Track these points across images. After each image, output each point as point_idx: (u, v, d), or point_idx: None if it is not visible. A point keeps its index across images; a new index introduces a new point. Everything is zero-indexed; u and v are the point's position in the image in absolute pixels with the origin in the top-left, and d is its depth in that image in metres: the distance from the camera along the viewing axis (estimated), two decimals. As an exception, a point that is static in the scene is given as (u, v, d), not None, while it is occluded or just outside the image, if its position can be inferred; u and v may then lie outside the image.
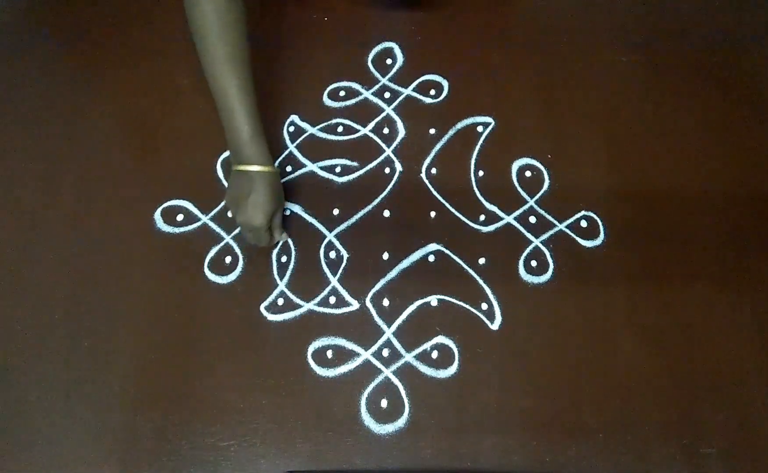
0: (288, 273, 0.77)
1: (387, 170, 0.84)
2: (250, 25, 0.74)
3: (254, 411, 0.70)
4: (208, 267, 0.78)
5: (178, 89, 0.90)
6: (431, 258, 0.78)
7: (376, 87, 0.90)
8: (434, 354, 0.73)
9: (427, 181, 0.83)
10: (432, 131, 0.87)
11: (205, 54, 0.71)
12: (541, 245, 0.79)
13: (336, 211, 0.81)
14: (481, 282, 0.77)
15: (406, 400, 0.71)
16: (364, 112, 0.88)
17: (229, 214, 0.80)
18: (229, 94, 0.70)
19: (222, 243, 0.79)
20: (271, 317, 0.75)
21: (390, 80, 0.91)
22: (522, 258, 0.78)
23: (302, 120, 0.88)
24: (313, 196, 0.82)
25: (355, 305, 0.76)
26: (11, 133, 0.87)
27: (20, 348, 0.73)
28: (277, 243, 0.79)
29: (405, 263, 0.78)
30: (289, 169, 0.84)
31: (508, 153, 0.85)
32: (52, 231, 0.80)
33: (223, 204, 0.82)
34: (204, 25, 0.70)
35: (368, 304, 0.76)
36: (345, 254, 0.79)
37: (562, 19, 0.97)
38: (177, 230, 0.80)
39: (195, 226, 0.81)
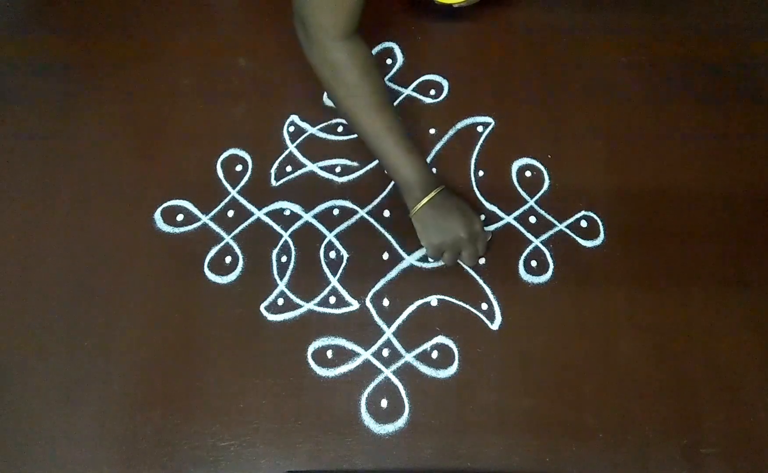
0: (288, 273, 0.77)
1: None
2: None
3: (254, 411, 0.70)
4: (208, 267, 0.78)
5: (178, 89, 0.90)
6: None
7: (376, 87, 0.90)
8: (434, 354, 0.73)
9: (427, 181, 0.83)
10: (432, 131, 0.87)
11: (355, 108, 0.71)
12: (541, 245, 0.79)
13: (336, 211, 0.81)
14: (481, 282, 0.77)
15: (406, 400, 0.71)
16: (364, 112, 0.88)
17: (440, 259, 0.75)
18: (390, 139, 0.71)
19: (222, 243, 0.79)
20: (271, 317, 0.75)
21: (390, 80, 0.91)
22: (522, 258, 0.78)
23: (302, 120, 0.88)
24: (313, 195, 0.82)
25: (355, 305, 0.76)
26: (11, 133, 0.87)
27: (20, 348, 0.73)
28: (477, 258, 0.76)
29: (405, 263, 0.78)
30: (289, 169, 0.84)
31: (508, 153, 0.85)
32: (52, 231, 0.80)
33: (224, 204, 0.81)
34: (352, 82, 0.69)
35: (368, 304, 0.76)
36: (345, 254, 0.79)
37: (562, 19, 0.97)
38: (177, 230, 0.80)
39: (195, 226, 0.81)
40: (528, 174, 0.84)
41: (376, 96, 0.71)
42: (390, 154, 0.72)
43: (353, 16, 0.68)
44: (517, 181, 0.83)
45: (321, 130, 0.87)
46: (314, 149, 0.85)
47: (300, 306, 0.75)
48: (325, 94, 0.89)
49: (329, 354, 0.73)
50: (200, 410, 0.70)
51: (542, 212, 0.81)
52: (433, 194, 0.72)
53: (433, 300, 0.76)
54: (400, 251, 0.78)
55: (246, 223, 0.81)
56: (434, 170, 0.84)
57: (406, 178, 0.73)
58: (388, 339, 0.74)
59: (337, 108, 0.74)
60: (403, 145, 0.72)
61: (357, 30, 0.70)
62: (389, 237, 0.79)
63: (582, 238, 0.79)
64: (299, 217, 0.81)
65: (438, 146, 0.86)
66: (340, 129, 0.87)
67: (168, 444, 0.68)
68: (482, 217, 0.80)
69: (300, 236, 0.80)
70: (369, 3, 0.67)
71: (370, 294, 0.76)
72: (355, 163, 0.84)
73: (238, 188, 0.83)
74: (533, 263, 0.78)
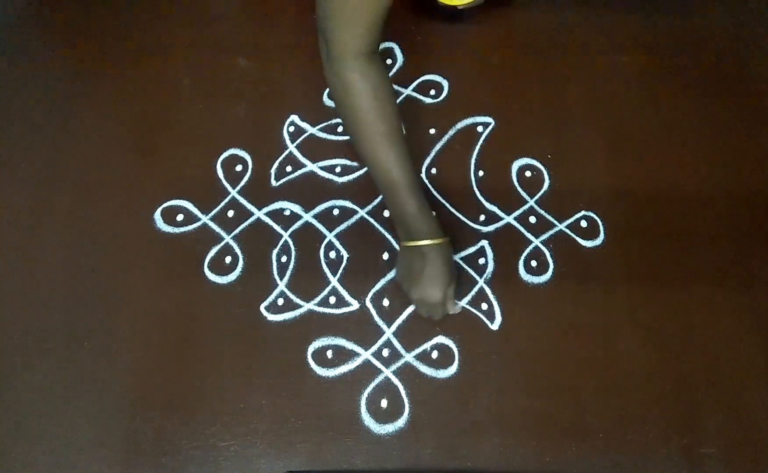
0: (288, 273, 0.77)
1: (387, 170, 0.84)
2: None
3: (254, 411, 0.70)
4: (208, 267, 0.78)
5: (178, 89, 0.90)
6: (431, 258, 0.78)
7: (376, 87, 0.90)
8: (434, 354, 0.73)
9: (427, 181, 0.83)
10: (432, 131, 0.87)
11: (362, 133, 0.67)
12: (541, 245, 0.79)
13: (336, 211, 0.81)
14: (481, 281, 0.77)
15: (406, 400, 0.71)
16: (364, 112, 0.88)
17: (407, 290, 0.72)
18: (392, 170, 0.67)
19: (222, 243, 0.79)
20: (271, 317, 0.75)
21: (390, 80, 0.91)
22: (522, 258, 0.78)
23: (302, 120, 0.88)
24: (313, 195, 0.82)
25: (355, 305, 0.76)
26: (11, 133, 0.87)
27: (20, 349, 0.73)
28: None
29: (405, 263, 0.78)
30: (289, 169, 0.84)
31: (508, 153, 0.85)
32: (52, 231, 0.80)
33: (224, 204, 0.82)
34: (361, 106, 0.66)
35: (368, 304, 0.76)
36: (345, 254, 0.79)
37: (562, 19, 0.97)
38: (177, 230, 0.80)
39: (195, 226, 0.81)
40: (528, 174, 0.84)
41: (383, 125, 0.66)
42: (391, 189, 0.68)
43: (370, 32, 0.64)
44: (517, 181, 0.83)
45: (321, 130, 0.87)
46: (314, 149, 0.85)
47: (300, 306, 0.75)
48: (325, 93, 0.89)
49: (329, 354, 0.73)
50: (200, 410, 0.70)
51: (542, 212, 0.81)
52: (416, 243, 0.68)
53: (433, 300, 0.76)
54: (400, 251, 0.79)
55: (246, 223, 0.81)
56: (434, 170, 0.84)
57: (399, 215, 0.69)
58: (388, 339, 0.74)
59: (347, 133, 0.68)
60: (407, 183, 0.67)
61: (376, 50, 0.66)
62: (389, 237, 0.79)
63: (582, 238, 0.79)
64: (299, 217, 0.81)
65: (438, 146, 0.86)
66: (340, 129, 0.87)
67: (168, 444, 0.68)
68: (482, 217, 0.80)
69: (300, 236, 0.80)
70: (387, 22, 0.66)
71: (370, 294, 0.76)
72: (355, 163, 0.84)
73: (238, 188, 0.83)
74: (533, 263, 0.78)
